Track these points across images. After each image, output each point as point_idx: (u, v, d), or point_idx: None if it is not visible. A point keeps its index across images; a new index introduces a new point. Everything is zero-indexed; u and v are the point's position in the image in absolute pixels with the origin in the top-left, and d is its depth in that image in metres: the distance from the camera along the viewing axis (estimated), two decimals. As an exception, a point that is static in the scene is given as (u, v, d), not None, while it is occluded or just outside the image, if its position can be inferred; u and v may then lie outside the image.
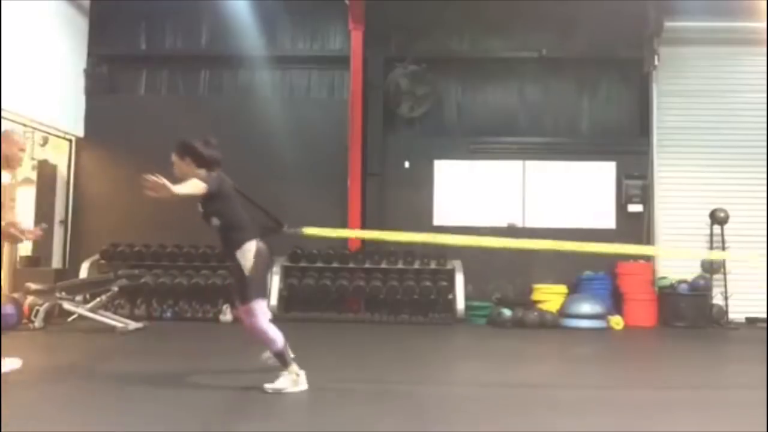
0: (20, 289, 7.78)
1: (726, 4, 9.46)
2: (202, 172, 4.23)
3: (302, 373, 4.35)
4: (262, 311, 4.29)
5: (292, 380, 4.30)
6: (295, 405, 4.12)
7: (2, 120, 8.15)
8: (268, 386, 4.24)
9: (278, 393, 4.21)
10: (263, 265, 4.33)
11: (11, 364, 4.75)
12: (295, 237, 4.96)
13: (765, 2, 8.80)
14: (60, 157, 10.00)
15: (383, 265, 9.22)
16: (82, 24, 10.17)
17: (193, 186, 4.08)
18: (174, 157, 4.32)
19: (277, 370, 4.37)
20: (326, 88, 10.47)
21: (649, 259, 9.59)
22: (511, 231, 9.75)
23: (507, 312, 8.71)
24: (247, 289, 4.24)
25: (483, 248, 9.30)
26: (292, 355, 4.47)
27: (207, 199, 4.19)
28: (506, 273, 9.55)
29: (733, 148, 9.74)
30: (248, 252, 4.23)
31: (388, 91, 10.02)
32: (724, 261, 9.29)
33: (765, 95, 9.57)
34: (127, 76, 10.54)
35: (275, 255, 9.23)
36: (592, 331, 8.46)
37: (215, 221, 4.27)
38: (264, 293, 4.43)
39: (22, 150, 4.93)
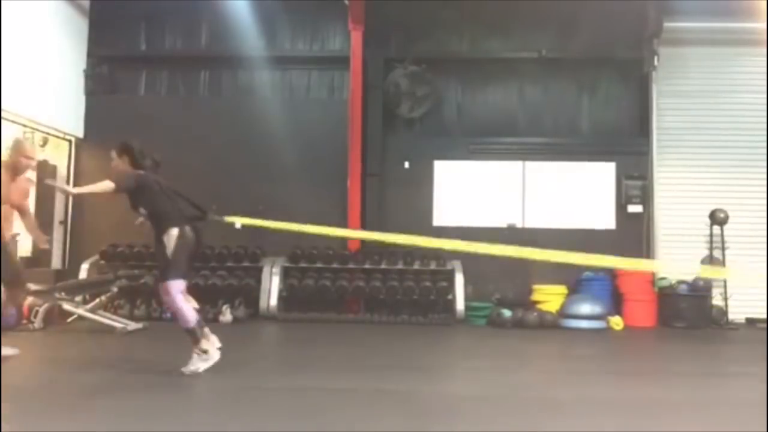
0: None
1: (726, 5, 9.46)
2: (129, 169, 4.88)
3: (211, 348, 4.77)
4: (178, 290, 4.75)
5: (202, 358, 4.73)
6: (295, 405, 4.12)
7: (2, 120, 8.16)
8: (184, 369, 4.67)
9: (195, 374, 4.65)
10: (185, 248, 4.82)
11: (11, 350, 5.12)
12: (224, 225, 5.21)
13: (765, 3, 8.79)
14: (60, 157, 10.00)
15: (383, 266, 9.22)
16: (82, 24, 10.18)
17: (102, 185, 4.70)
18: (113, 154, 4.97)
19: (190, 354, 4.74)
20: (326, 89, 10.47)
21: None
22: (511, 231, 9.76)
23: (507, 312, 8.71)
24: (167, 269, 4.78)
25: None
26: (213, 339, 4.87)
27: (131, 193, 4.84)
28: (506, 273, 9.53)
29: (733, 148, 9.74)
30: (172, 236, 4.74)
31: (388, 91, 10.02)
32: (723, 261, 9.29)
33: (765, 96, 9.56)
34: (127, 76, 10.55)
35: (275, 256, 9.28)
36: (592, 331, 8.46)
37: (142, 210, 4.90)
38: (183, 274, 4.83)
39: (30, 158, 5.21)
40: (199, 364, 4.71)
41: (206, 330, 4.98)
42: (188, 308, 4.76)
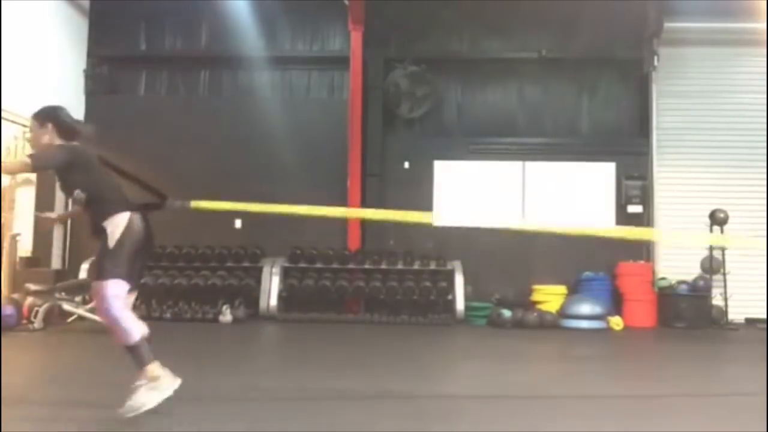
0: (20, 289, 7.78)
1: (726, 5, 9.46)
2: (56, 141, 3.74)
3: (165, 373, 3.47)
4: (117, 294, 3.50)
5: (152, 387, 3.42)
6: (295, 405, 4.12)
7: (2, 120, 8.16)
8: (126, 406, 3.37)
9: (136, 413, 3.35)
10: (133, 242, 3.60)
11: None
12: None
13: (765, 3, 8.79)
14: (60, 157, 9.98)
15: (383, 266, 9.21)
16: (81, 25, 10.18)
17: (14, 163, 3.87)
18: (32, 124, 3.83)
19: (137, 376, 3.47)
20: (326, 89, 10.48)
21: (649, 259, 9.61)
22: (511, 232, 9.75)
23: (507, 313, 8.70)
24: (103, 263, 3.55)
25: (483, 249, 9.36)
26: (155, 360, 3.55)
27: (64, 171, 3.69)
28: (506, 273, 9.54)
29: (733, 148, 9.74)
30: (118, 224, 3.57)
31: (388, 91, 10.02)
32: (723, 262, 9.29)
33: (765, 96, 9.57)
34: (127, 76, 10.55)
35: (275, 256, 9.27)
36: (592, 331, 8.46)
37: (78, 193, 3.68)
38: (125, 274, 3.55)
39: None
40: (147, 397, 3.40)
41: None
42: (129, 318, 3.52)
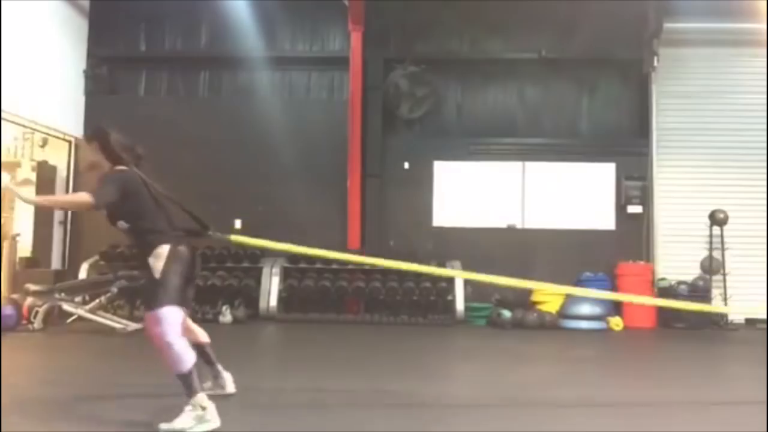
0: (19, 290, 7.77)
1: (726, 5, 9.45)
2: (107, 165, 3.76)
3: (211, 406, 3.49)
4: (171, 321, 3.52)
5: (197, 416, 3.45)
6: (295, 405, 4.12)
7: (2, 120, 8.16)
8: (163, 427, 3.40)
9: None
10: (177, 270, 3.63)
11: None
12: (223, 242, 4.64)
13: (765, 3, 8.79)
14: (59, 158, 9.99)
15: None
16: (81, 25, 10.18)
17: (75, 198, 3.85)
18: (84, 141, 3.96)
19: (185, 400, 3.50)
20: (326, 89, 10.47)
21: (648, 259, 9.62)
22: (511, 232, 9.77)
23: (506, 313, 8.71)
24: (154, 292, 3.56)
25: (483, 249, 9.36)
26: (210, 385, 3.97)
27: (117, 197, 3.62)
28: (506, 274, 9.48)
29: (733, 149, 9.74)
30: (160, 255, 3.59)
31: (388, 92, 10.02)
32: (723, 262, 9.29)
33: (765, 96, 9.57)
34: (127, 77, 10.55)
35: (275, 256, 9.26)
36: (592, 332, 8.46)
37: (122, 224, 3.68)
38: (176, 300, 3.59)
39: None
40: (189, 423, 3.42)
41: (217, 368, 4.18)
42: (184, 346, 3.53)
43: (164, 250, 3.60)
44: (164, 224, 3.72)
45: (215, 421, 3.46)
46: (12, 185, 3.66)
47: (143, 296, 3.91)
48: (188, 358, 3.52)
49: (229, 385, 4.18)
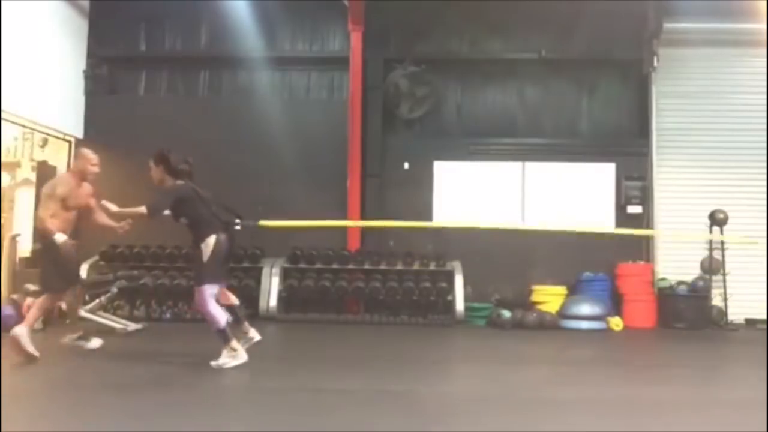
0: (19, 290, 7.77)
1: (726, 6, 9.46)
2: (170, 180, 5.19)
3: (240, 348, 5.15)
4: (210, 294, 5.12)
5: (231, 355, 5.08)
6: (295, 405, 4.12)
7: (2, 120, 8.16)
8: (213, 363, 5.00)
9: (220, 368, 4.98)
10: (220, 255, 5.15)
11: (95, 343, 5.88)
12: (254, 229, 5.81)
13: (765, 3, 8.80)
14: (59, 158, 9.99)
15: (382, 266, 9.21)
16: (81, 25, 10.18)
17: (136, 211, 5.06)
18: (151, 163, 5.24)
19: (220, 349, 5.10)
20: (326, 89, 10.47)
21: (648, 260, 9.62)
22: (511, 232, 9.75)
23: (506, 313, 8.70)
24: (201, 274, 5.13)
25: (483, 249, 9.36)
26: (247, 333, 5.43)
27: (171, 208, 5.13)
28: (505, 274, 9.54)
29: (733, 149, 9.74)
30: (209, 244, 5.09)
31: (388, 92, 10.02)
32: (723, 262, 9.29)
33: (765, 97, 9.57)
34: (127, 77, 10.55)
35: (275, 256, 9.27)
36: (592, 332, 8.46)
37: (183, 220, 5.22)
38: (216, 280, 5.20)
39: (94, 165, 5.72)
40: (226, 360, 5.03)
41: (245, 325, 5.50)
42: (218, 311, 5.11)
43: (212, 239, 5.10)
44: (210, 219, 5.16)
45: (243, 357, 5.12)
46: (105, 202, 5.23)
47: (193, 273, 5.56)
48: (222, 318, 5.12)
49: (255, 334, 5.47)
